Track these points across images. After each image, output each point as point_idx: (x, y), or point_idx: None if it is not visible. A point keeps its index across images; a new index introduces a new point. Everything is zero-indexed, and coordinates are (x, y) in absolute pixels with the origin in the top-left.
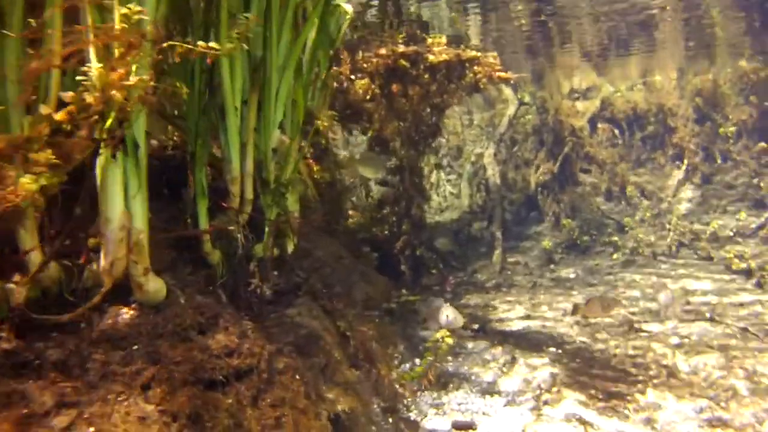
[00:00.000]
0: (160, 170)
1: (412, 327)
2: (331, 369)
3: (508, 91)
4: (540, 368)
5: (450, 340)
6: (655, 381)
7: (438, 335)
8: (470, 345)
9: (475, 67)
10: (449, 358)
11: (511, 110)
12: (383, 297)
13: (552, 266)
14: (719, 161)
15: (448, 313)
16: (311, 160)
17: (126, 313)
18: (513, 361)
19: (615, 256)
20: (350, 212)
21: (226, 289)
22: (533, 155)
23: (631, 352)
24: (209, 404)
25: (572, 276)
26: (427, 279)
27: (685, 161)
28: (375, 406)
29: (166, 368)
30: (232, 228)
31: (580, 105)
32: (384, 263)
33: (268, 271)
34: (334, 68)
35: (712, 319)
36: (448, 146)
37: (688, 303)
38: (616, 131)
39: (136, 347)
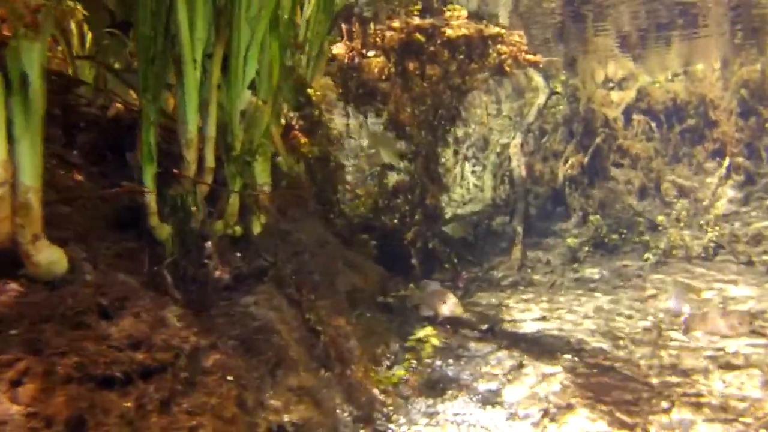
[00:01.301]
0: (109, 131)
1: (411, 324)
2: (283, 370)
3: (538, 79)
4: (550, 377)
5: (436, 340)
6: (682, 399)
7: (421, 333)
8: (474, 347)
9: (500, 47)
10: (450, 360)
11: (541, 99)
12: (378, 290)
13: (576, 265)
14: (765, 159)
15: (445, 299)
16: (298, 132)
17: (7, 290)
18: (520, 367)
19: (645, 256)
20: (359, 195)
21: (176, 271)
22: (563, 147)
23: (656, 363)
24: (98, 407)
25: (597, 277)
26: (440, 274)
27: (727, 158)
28: (345, 414)
29: (46, 360)
30: (185, 199)
31: (614, 95)
32: (392, 255)
33: (228, 252)
34: (346, 42)
35: (752, 331)
36: (475, 137)
37: (751, 323)
38: (653, 124)
39: (13, 332)
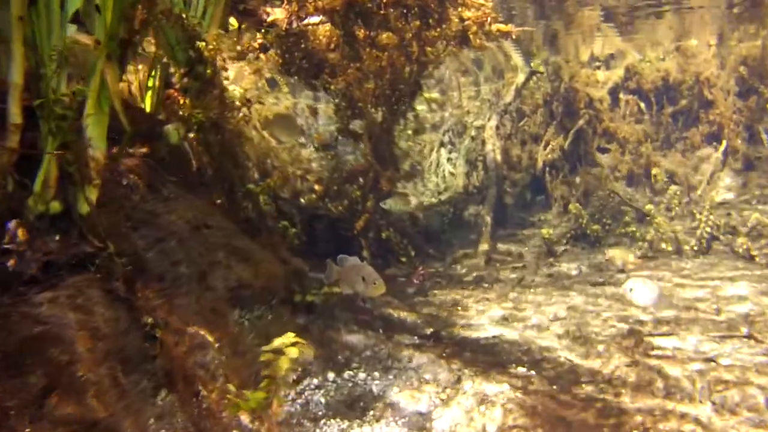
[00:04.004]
0: None
1: (336, 329)
2: (58, 396)
3: (517, 58)
4: (493, 399)
5: (294, 352)
6: (662, 426)
7: (277, 342)
8: (408, 356)
9: (462, 11)
10: (376, 373)
11: (520, 78)
12: (281, 286)
13: (551, 260)
14: (766, 142)
15: (364, 276)
16: (176, 92)
17: None
18: (458, 383)
19: (630, 250)
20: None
21: None
22: (543, 130)
23: (633, 378)
24: None
25: (574, 272)
26: (395, 269)
27: (724, 142)
28: None
29: None
30: None
31: (600, 74)
32: (338, 247)
33: (44, 234)
34: (285, 6)
35: (749, 337)
36: (451, 121)
37: (719, 312)
38: (642, 105)
39: None
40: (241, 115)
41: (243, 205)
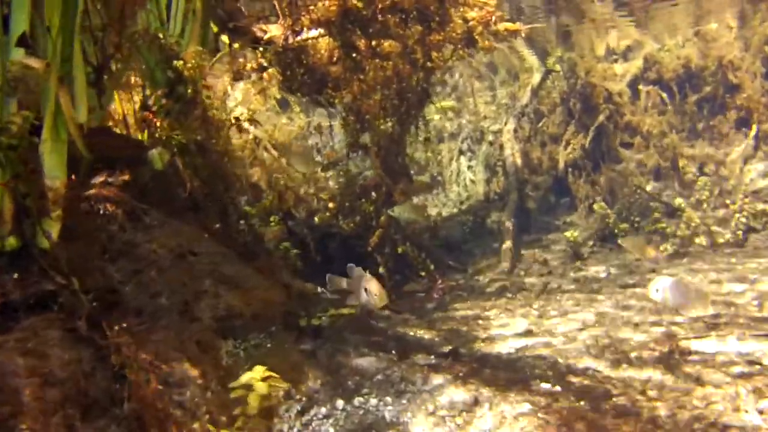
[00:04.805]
0: None
1: (345, 353)
2: None
3: (531, 58)
4: (513, 421)
5: (263, 388)
6: None
7: (245, 377)
8: (422, 378)
9: (465, 11)
10: (388, 398)
11: (535, 79)
12: (285, 311)
13: (578, 263)
14: None
15: (368, 288)
16: (151, 114)
17: None
18: (475, 405)
19: (662, 247)
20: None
21: None
22: (562, 129)
23: (669, 388)
24: None
25: (602, 275)
26: (415, 284)
27: (754, 126)
28: None
29: None
30: None
31: (618, 67)
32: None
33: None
34: (281, 21)
35: None
36: (469, 128)
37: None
38: (664, 95)
39: None
40: (251, 137)
41: (239, 229)
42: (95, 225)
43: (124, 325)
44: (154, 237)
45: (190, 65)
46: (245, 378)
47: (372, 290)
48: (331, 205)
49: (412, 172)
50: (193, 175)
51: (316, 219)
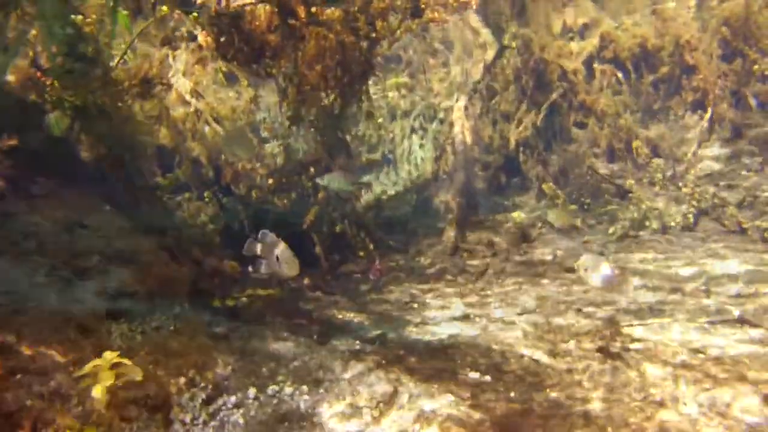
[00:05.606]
0: None
1: (262, 337)
2: None
3: (485, 33)
4: (430, 416)
5: (108, 378)
6: None
7: (89, 366)
8: (342, 366)
9: None
10: (305, 387)
11: (489, 55)
12: (193, 290)
13: (525, 245)
14: (754, 108)
15: (278, 254)
16: (40, 73)
17: None
18: (394, 396)
19: (611, 230)
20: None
21: None
22: (515, 107)
23: (607, 379)
24: None
25: (548, 258)
26: (353, 264)
27: (709, 109)
28: None
29: None
30: None
31: (574, 45)
32: (290, 245)
33: None
34: None
35: (741, 321)
36: (421, 106)
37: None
38: (620, 74)
39: None
40: (192, 110)
41: (146, 200)
42: None
43: None
44: (38, 208)
45: (90, 20)
46: (89, 366)
47: (282, 258)
48: (270, 181)
49: (363, 149)
50: (96, 142)
51: (253, 194)
